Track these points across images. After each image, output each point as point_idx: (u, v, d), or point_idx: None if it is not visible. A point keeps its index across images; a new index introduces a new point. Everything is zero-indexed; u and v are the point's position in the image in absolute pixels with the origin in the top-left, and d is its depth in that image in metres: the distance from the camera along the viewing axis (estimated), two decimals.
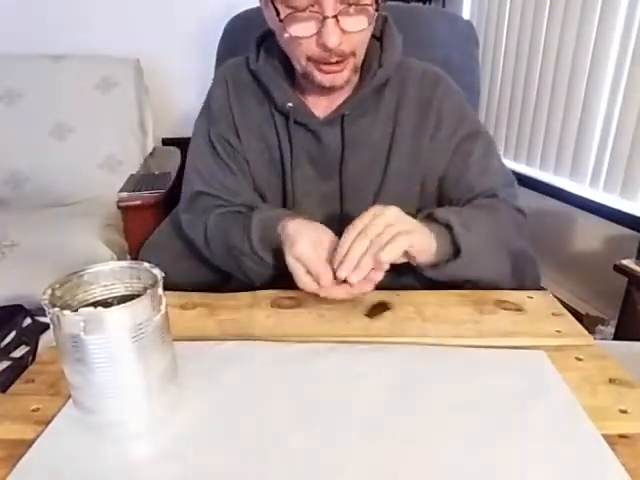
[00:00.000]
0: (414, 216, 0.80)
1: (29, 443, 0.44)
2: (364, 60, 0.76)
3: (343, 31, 0.64)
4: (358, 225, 0.59)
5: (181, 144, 1.84)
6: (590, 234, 1.82)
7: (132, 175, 1.62)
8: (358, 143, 0.78)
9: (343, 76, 0.70)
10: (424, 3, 2.24)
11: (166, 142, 2.05)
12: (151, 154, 1.85)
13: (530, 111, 2.00)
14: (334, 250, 0.61)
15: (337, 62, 0.68)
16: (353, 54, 0.69)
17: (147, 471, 0.41)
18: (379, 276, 0.61)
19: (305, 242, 0.63)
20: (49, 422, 0.46)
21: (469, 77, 1.11)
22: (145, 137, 1.82)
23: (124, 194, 1.44)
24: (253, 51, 0.79)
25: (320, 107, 0.77)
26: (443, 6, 2.32)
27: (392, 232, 0.58)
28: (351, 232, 0.59)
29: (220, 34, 1.15)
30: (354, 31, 0.65)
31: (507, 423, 0.46)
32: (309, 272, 0.62)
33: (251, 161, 0.81)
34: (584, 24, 1.72)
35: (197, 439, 0.44)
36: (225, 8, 1.74)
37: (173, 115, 2.05)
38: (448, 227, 0.65)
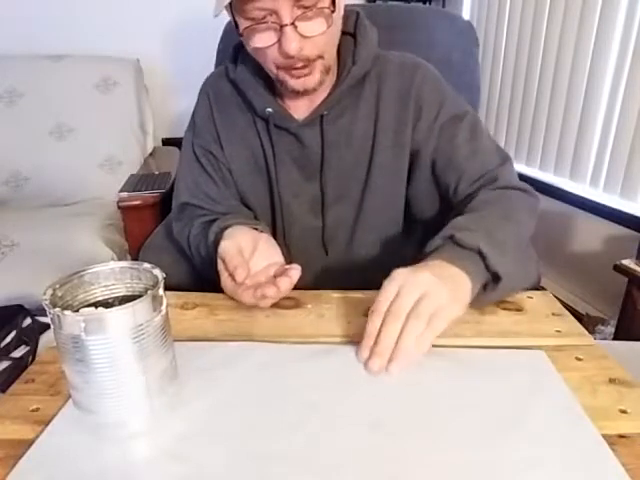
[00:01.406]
0: (409, 222, 0.80)
1: (29, 443, 0.44)
2: (339, 58, 0.76)
3: (303, 36, 0.64)
4: (382, 305, 0.52)
5: (181, 144, 1.83)
6: (590, 234, 1.82)
7: (132, 175, 1.62)
8: (339, 142, 0.78)
9: (314, 79, 0.70)
10: (424, 3, 2.23)
11: (166, 142, 2.05)
12: (151, 154, 1.85)
13: (530, 111, 2.00)
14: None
15: (304, 66, 0.68)
16: (320, 57, 0.68)
17: (147, 471, 0.41)
18: (287, 287, 0.62)
19: (229, 242, 0.64)
20: (49, 422, 0.46)
21: (469, 77, 1.11)
22: (145, 137, 1.82)
23: (124, 194, 1.44)
24: (231, 60, 0.79)
25: (300, 109, 0.78)
26: (443, 6, 2.32)
27: (425, 312, 0.50)
28: (375, 317, 0.52)
29: (220, 34, 1.15)
30: (314, 35, 0.65)
31: (507, 423, 0.46)
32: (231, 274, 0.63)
33: (236, 170, 0.83)
34: (584, 24, 1.72)
35: (197, 439, 0.44)
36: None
37: (173, 115, 2.05)
38: (480, 253, 0.58)
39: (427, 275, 0.52)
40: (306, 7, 0.63)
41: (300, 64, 0.67)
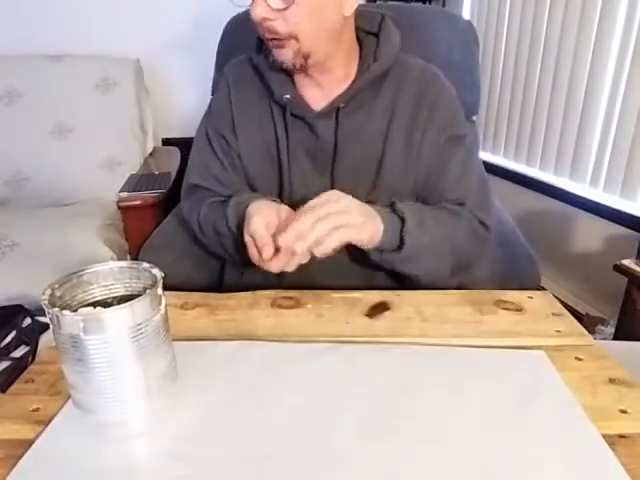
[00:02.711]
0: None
1: (29, 443, 0.44)
2: (360, 55, 0.78)
3: (270, 8, 0.66)
4: (311, 203, 0.64)
5: (181, 144, 1.83)
6: (590, 234, 1.82)
7: (132, 175, 1.62)
8: (352, 137, 0.79)
9: (286, 55, 0.71)
10: (424, 3, 2.23)
11: (166, 142, 2.05)
12: (151, 154, 1.85)
13: (530, 111, 2.00)
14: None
15: (274, 39, 0.70)
16: (293, 37, 0.69)
17: (147, 471, 0.41)
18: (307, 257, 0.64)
19: (258, 219, 0.66)
20: (49, 422, 0.46)
21: (469, 77, 1.11)
22: (145, 137, 1.82)
23: (124, 194, 1.44)
24: (256, 46, 0.80)
25: (317, 100, 0.79)
26: (443, 6, 2.32)
27: (338, 221, 0.62)
28: (304, 209, 0.64)
29: (220, 34, 1.15)
30: (277, 8, 0.67)
31: (507, 423, 0.46)
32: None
33: (247, 155, 0.83)
34: (584, 24, 1.72)
35: (197, 439, 0.44)
36: (225, 8, 1.73)
37: (173, 115, 2.05)
38: (402, 220, 0.69)
39: (352, 199, 0.67)
40: None
41: (269, 36, 0.70)
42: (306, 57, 0.72)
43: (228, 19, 1.16)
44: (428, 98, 0.79)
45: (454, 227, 0.76)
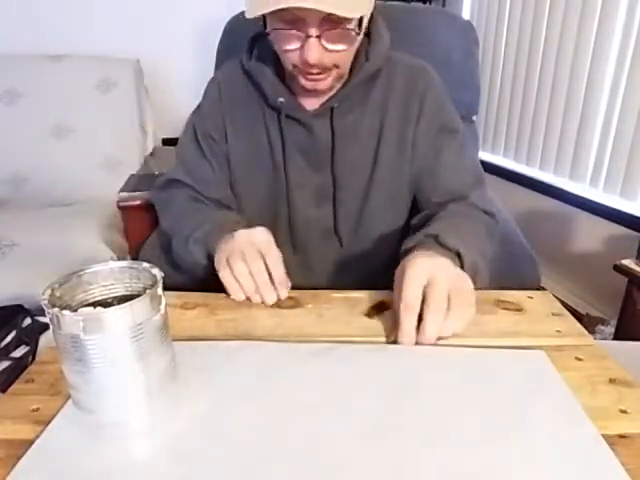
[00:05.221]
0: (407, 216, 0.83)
1: (29, 443, 0.44)
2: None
3: (325, 48, 0.67)
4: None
5: None
6: (590, 234, 1.82)
7: (132, 175, 1.62)
8: (348, 135, 0.80)
9: (325, 83, 0.73)
10: (424, 3, 2.24)
11: (166, 142, 2.05)
12: (151, 154, 1.85)
13: (530, 111, 2.00)
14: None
15: (319, 72, 0.70)
16: (336, 66, 0.71)
17: (147, 471, 0.41)
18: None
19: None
20: (49, 422, 0.46)
21: (469, 77, 1.12)
22: (145, 137, 1.82)
23: (124, 194, 1.44)
24: (247, 51, 0.81)
25: (311, 101, 0.80)
26: (443, 6, 2.32)
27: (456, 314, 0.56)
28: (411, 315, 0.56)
29: (220, 34, 1.15)
30: (335, 50, 0.68)
31: (507, 423, 0.46)
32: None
33: (236, 158, 0.84)
34: (584, 24, 1.72)
35: (197, 439, 0.44)
36: (225, 8, 1.74)
37: (173, 115, 2.04)
38: (458, 255, 0.64)
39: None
40: (334, 24, 0.65)
41: (316, 70, 0.70)
42: (340, 77, 0.75)
43: (228, 19, 1.16)
44: (417, 92, 0.80)
45: (478, 233, 0.73)
